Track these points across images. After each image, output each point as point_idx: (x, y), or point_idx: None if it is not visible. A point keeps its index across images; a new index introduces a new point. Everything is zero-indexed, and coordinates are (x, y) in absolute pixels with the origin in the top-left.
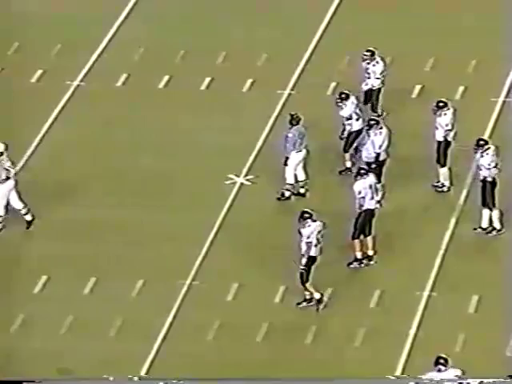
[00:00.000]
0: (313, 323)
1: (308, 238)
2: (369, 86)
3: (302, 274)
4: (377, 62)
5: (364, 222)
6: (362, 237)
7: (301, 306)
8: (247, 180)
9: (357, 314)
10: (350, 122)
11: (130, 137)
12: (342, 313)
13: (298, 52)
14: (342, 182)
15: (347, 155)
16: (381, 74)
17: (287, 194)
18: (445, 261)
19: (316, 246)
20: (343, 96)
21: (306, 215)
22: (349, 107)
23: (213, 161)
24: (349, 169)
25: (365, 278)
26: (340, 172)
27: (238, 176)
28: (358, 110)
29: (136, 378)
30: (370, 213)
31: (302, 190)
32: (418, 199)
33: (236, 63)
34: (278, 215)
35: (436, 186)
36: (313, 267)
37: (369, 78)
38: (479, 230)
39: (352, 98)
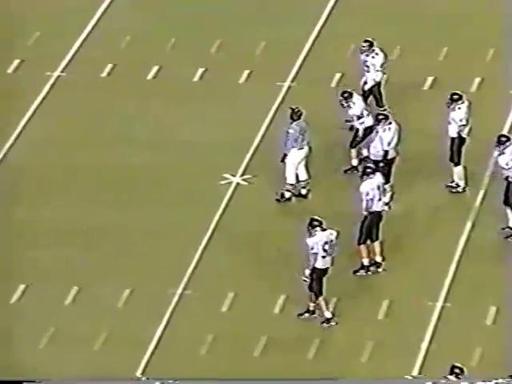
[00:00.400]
0: (316, 336)
1: (312, 248)
2: (369, 82)
3: (310, 286)
4: (376, 54)
5: (371, 225)
6: (368, 242)
7: (302, 317)
8: (244, 180)
9: (364, 326)
10: (362, 120)
11: (116, 132)
12: (348, 325)
13: (300, 40)
14: (347, 182)
15: (353, 152)
16: (381, 66)
17: (287, 195)
18: (460, 268)
19: (324, 257)
20: (346, 95)
21: (315, 223)
22: (358, 104)
23: (206, 159)
24: (355, 167)
25: (372, 287)
26: (345, 171)
27: (233, 175)
28: (366, 106)
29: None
30: (378, 216)
31: (303, 191)
32: (430, 201)
33: (232, 52)
34: (277, 218)
35: (450, 187)
36: (324, 280)
37: (368, 71)
38: (508, 230)
39: (356, 95)
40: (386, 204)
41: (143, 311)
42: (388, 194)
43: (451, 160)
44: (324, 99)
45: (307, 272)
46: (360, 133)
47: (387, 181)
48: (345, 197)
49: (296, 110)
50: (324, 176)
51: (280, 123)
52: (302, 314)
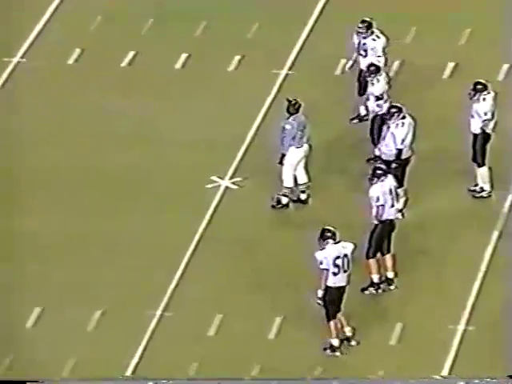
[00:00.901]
0: (317, 364)
1: (321, 263)
2: (363, 68)
3: (327, 310)
4: (377, 37)
5: (382, 236)
6: (379, 255)
7: (332, 353)
8: (234, 183)
9: (373, 353)
10: (379, 102)
11: (86, 128)
12: (355, 351)
13: (299, 21)
14: (354, 185)
15: (362, 99)
16: (383, 51)
17: (284, 200)
18: (484, 285)
19: (336, 274)
20: (373, 69)
21: (327, 234)
22: (381, 84)
23: (190, 159)
24: (363, 117)
25: (383, 308)
26: (368, 160)
27: (222, 178)
28: (388, 89)
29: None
30: (390, 225)
31: (302, 196)
32: (449, 207)
33: (219, 35)
34: (272, 228)
35: (473, 191)
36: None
37: (365, 56)
38: None
39: (384, 73)
40: (400, 211)
41: (117, 336)
42: (401, 200)
43: (474, 160)
44: (327, 89)
45: (320, 293)
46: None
47: (400, 184)
48: (351, 203)
49: (293, 102)
50: (327, 178)
51: (276, 117)
52: (332, 350)
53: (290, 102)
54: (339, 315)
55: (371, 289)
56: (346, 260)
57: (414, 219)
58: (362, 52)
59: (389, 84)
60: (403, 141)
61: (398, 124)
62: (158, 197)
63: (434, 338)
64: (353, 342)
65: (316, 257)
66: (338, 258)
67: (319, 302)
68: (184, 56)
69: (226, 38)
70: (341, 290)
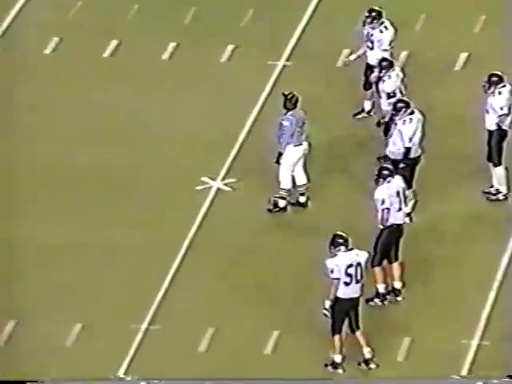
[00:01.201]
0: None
1: (332, 271)
2: (371, 62)
3: (333, 323)
4: (385, 28)
5: (388, 242)
6: (385, 263)
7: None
8: (226, 184)
9: (379, 372)
10: (391, 100)
11: (63, 124)
12: (358, 368)
13: (298, 7)
14: (358, 187)
15: (368, 93)
16: (390, 44)
17: (282, 203)
18: (500, 296)
19: (347, 284)
20: (386, 64)
21: (339, 241)
22: (393, 80)
23: (180, 158)
24: (367, 112)
25: (390, 321)
26: (379, 158)
27: (213, 179)
28: (402, 85)
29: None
30: (397, 230)
31: (301, 199)
32: (462, 211)
33: (210, 23)
34: (268, 233)
35: (488, 193)
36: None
37: (372, 48)
38: None
39: (398, 69)
40: (408, 215)
41: (98, 351)
42: (410, 203)
43: (489, 159)
44: (328, 82)
45: (328, 303)
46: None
47: (409, 186)
48: (355, 206)
49: (290, 97)
50: (328, 179)
51: (272, 113)
52: (334, 367)
53: (286, 96)
54: (358, 333)
55: (376, 300)
56: (359, 269)
57: (423, 224)
58: (369, 44)
59: (403, 81)
60: (411, 139)
61: (405, 120)
62: (142, 199)
63: (446, 354)
64: (372, 365)
65: (326, 264)
66: (350, 266)
67: (326, 313)
68: (172, 46)
69: (217, 27)
70: (352, 302)
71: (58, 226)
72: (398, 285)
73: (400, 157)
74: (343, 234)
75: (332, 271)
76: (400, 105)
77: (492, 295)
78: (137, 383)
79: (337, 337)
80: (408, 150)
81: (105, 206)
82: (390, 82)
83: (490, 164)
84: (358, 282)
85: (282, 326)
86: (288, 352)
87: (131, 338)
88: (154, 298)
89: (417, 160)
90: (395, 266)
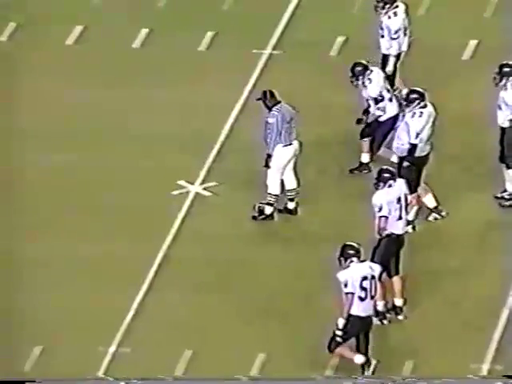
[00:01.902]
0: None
1: (346, 285)
2: (384, 51)
3: (334, 339)
4: (394, 14)
5: (388, 253)
6: (384, 277)
7: None
8: (206, 189)
9: None
10: (381, 105)
11: (30, 122)
12: None
13: None
14: (354, 190)
15: (365, 144)
16: (396, 32)
17: (268, 210)
18: None
19: (363, 299)
20: (359, 69)
21: (350, 252)
22: (375, 82)
23: (152, 160)
24: (365, 164)
25: (390, 341)
26: (351, 170)
27: (191, 183)
28: (388, 85)
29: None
30: (397, 240)
31: (290, 205)
32: (472, 218)
33: (187, 7)
34: (253, 243)
35: (501, 198)
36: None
37: (382, 36)
38: None
39: (376, 69)
40: (409, 223)
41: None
42: (413, 210)
43: (502, 160)
44: (320, 73)
45: (342, 323)
46: (376, 123)
47: (415, 189)
48: (350, 213)
49: (264, 96)
50: (320, 183)
51: (257, 108)
52: None
53: (260, 99)
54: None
55: (375, 319)
56: (373, 283)
57: (427, 233)
58: (380, 31)
59: (388, 78)
60: (418, 135)
61: (414, 113)
62: (111, 206)
63: (452, 380)
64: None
65: (339, 278)
66: (365, 279)
67: (339, 333)
68: (144, 32)
69: (195, 10)
70: (365, 321)
71: (18, 236)
72: (398, 302)
73: (404, 154)
74: (354, 245)
75: (346, 285)
76: (413, 96)
77: (505, 313)
78: (116, 383)
79: (339, 349)
80: (414, 146)
81: (68, 213)
82: (373, 85)
83: (503, 165)
84: (372, 297)
85: (269, 347)
86: (275, 377)
87: (98, 362)
88: (125, 317)
89: (425, 160)
90: (395, 280)
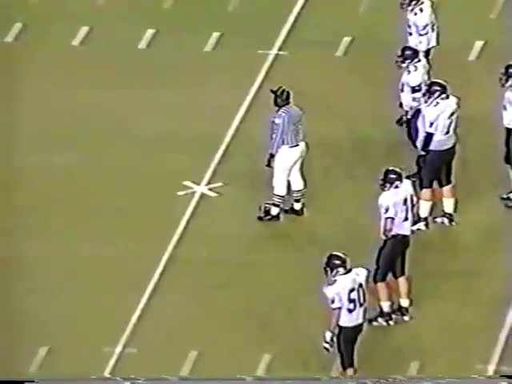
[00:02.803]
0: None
1: (333, 301)
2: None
3: (342, 356)
4: (420, 10)
5: (393, 254)
6: (390, 278)
7: None
8: (211, 189)
9: None
10: (416, 95)
11: (30, 122)
12: None
13: None
14: (360, 193)
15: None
16: (424, 28)
17: (274, 211)
18: None
19: (351, 311)
20: (408, 53)
21: (337, 262)
22: (420, 72)
23: (158, 161)
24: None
25: (396, 343)
26: (408, 177)
27: (197, 184)
28: (428, 79)
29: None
30: (403, 241)
31: (296, 206)
32: (478, 219)
33: (193, 7)
34: (259, 244)
35: (507, 199)
36: (355, 344)
37: (410, 33)
38: None
39: (423, 60)
40: (422, 220)
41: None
42: (427, 206)
43: (508, 161)
44: (326, 74)
45: (329, 336)
46: (408, 115)
47: (427, 183)
48: (356, 214)
49: (280, 92)
50: (327, 184)
51: (263, 109)
52: None
53: (275, 92)
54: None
55: (380, 319)
56: (361, 291)
57: (433, 234)
58: (407, 28)
59: (429, 73)
60: (432, 124)
61: (431, 103)
62: (116, 207)
63: (456, 380)
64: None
65: (326, 293)
66: (352, 290)
67: (327, 346)
68: (150, 32)
69: (201, 11)
70: (356, 329)
71: (21, 236)
72: (404, 302)
73: (420, 144)
74: (340, 255)
75: (333, 301)
76: (435, 88)
77: (510, 315)
78: (121, 382)
79: (350, 370)
80: (429, 135)
81: (74, 214)
82: (416, 75)
83: (508, 167)
84: (361, 305)
85: (274, 349)
86: (280, 378)
87: (104, 363)
88: (130, 317)
89: (447, 154)
90: (401, 281)
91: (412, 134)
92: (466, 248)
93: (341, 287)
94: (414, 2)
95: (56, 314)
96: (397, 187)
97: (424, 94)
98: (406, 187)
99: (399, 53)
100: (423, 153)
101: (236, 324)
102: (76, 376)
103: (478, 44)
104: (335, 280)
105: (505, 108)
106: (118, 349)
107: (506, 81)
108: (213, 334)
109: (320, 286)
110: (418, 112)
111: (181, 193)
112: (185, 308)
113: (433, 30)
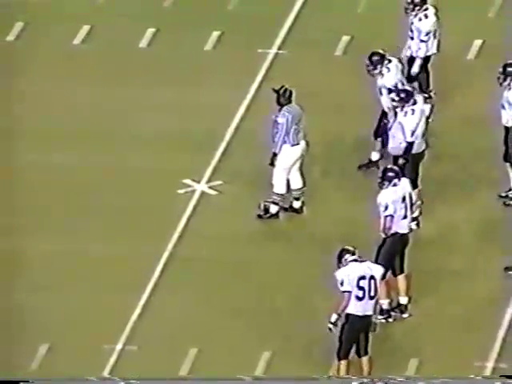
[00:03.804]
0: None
1: (342, 283)
2: (414, 53)
3: (340, 345)
4: (425, 16)
5: (392, 252)
6: (389, 275)
7: None
8: (211, 188)
9: None
10: (393, 95)
11: (28, 121)
12: None
13: None
14: (359, 191)
15: (377, 143)
16: (427, 34)
17: (274, 209)
18: None
19: (360, 299)
20: (377, 58)
21: (346, 255)
22: (393, 73)
23: (160, 159)
24: (374, 162)
25: (394, 339)
26: (360, 166)
27: (197, 182)
28: (403, 78)
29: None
30: (402, 239)
31: (296, 204)
32: (476, 218)
33: (193, 6)
34: (258, 242)
35: (505, 197)
36: (361, 335)
37: (412, 38)
38: None
39: (394, 60)
40: (414, 219)
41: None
42: (416, 206)
43: (506, 159)
44: (325, 73)
45: (334, 317)
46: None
47: (414, 186)
48: (355, 211)
49: (282, 91)
50: (326, 183)
51: (263, 108)
52: None
53: (277, 91)
54: (364, 359)
55: (380, 317)
56: (372, 283)
57: (432, 232)
58: (409, 33)
59: (403, 72)
60: (413, 132)
61: (406, 112)
62: (116, 206)
63: (457, 378)
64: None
65: (336, 276)
66: (362, 278)
67: (331, 327)
68: (150, 31)
69: (201, 10)
70: (364, 321)
71: (21, 235)
72: (403, 300)
73: (401, 152)
74: (350, 248)
75: (342, 283)
76: (402, 95)
77: (509, 312)
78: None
79: (343, 362)
80: (410, 144)
81: (74, 212)
82: (390, 75)
83: (507, 164)
84: (371, 298)
85: (274, 346)
86: (280, 375)
87: (104, 361)
88: (131, 315)
89: (420, 156)
90: (400, 278)
91: (382, 136)
92: (465, 246)
93: (350, 270)
94: (417, 8)
95: (56, 311)
96: (395, 185)
97: (396, 106)
98: (404, 185)
99: (367, 61)
100: (402, 161)
101: (236, 322)
102: (74, 375)
103: (477, 43)
104: (347, 264)
105: (503, 107)
106: (119, 347)
107: (504, 80)
108: (213, 331)
109: (320, 285)
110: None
111: (181, 191)
112: (185, 306)
113: (435, 37)
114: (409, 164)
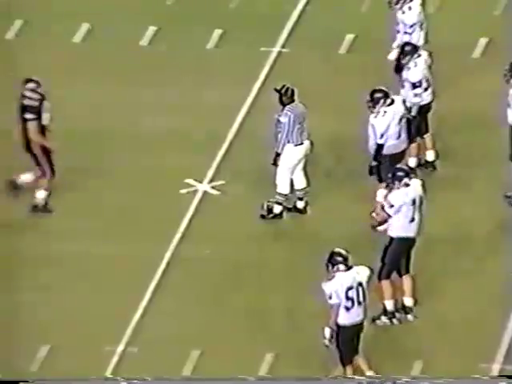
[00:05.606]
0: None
1: (330, 297)
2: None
3: (341, 353)
4: (408, 9)
5: (399, 252)
6: (394, 276)
7: None
8: (214, 187)
9: None
10: (417, 91)
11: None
12: None
13: None
14: (363, 191)
15: (413, 146)
16: (411, 27)
17: (277, 209)
18: None
19: (349, 309)
20: (408, 49)
21: (338, 259)
22: (420, 67)
23: (162, 158)
24: (430, 163)
25: (399, 342)
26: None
27: (199, 181)
28: (430, 74)
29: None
30: (408, 239)
31: (300, 204)
32: (482, 218)
33: (195, 5)
34: (261, 243)
35: (511, 197)
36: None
37: (398, 31)
38: None
39: (424, 54)
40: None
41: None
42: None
43: None
44: (329, 71)
45: (327, 332)
46: (413, 112)
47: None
48: (359, 212)
49: (285, 90)
50: (330, 183)
51: (265, 107)
52: None
53: (279, 91)
54: (359, 359)
55: (384, 318)
56: (360, 290)
57: (438, 233)
58: (396, 26)
59: (430, 68)
60: (383, 135)
61: (378, 113)
62: (119, 205)
63: (462, 380)
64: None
65: (324, 289)
66: (350, 288)
67: (327, 343)
68: (152, 29)
69: (203, 8)
70: (356, 328)
71: (21, 235)
72: (408, 301)
73: (372, 154)
74: (342, 251)
75: (330, 297)
76: (377, 95)
77: None
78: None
79: (349, 368)
80: (379, 146)
81: (75, 212)
82: (417, 70)
83: None
84: (360, 303)
85: (277, 348)
86: (283, 378)
87: (105, 362)
88: (132, 316)
89: (399, 157)
90: (406, 279)
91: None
92: (471, 247)
93: (338, 284)
94: (401, 1)
95: (57, 312)
96: (407, 186)
97: (368, 106)
98: (415, 187)
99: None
100: (374, 162)
101: (238, 323)
102: (76, 376)
103: (483, 41)
104: (334, 276)
105: (509, 105)
106: (120, 348)
107: (510, 78)
108: (215, 332)
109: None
110: (421, 108)
111: (183, 191)
112: (187, 306)
113: (421, 28)
114: (384, 165)
